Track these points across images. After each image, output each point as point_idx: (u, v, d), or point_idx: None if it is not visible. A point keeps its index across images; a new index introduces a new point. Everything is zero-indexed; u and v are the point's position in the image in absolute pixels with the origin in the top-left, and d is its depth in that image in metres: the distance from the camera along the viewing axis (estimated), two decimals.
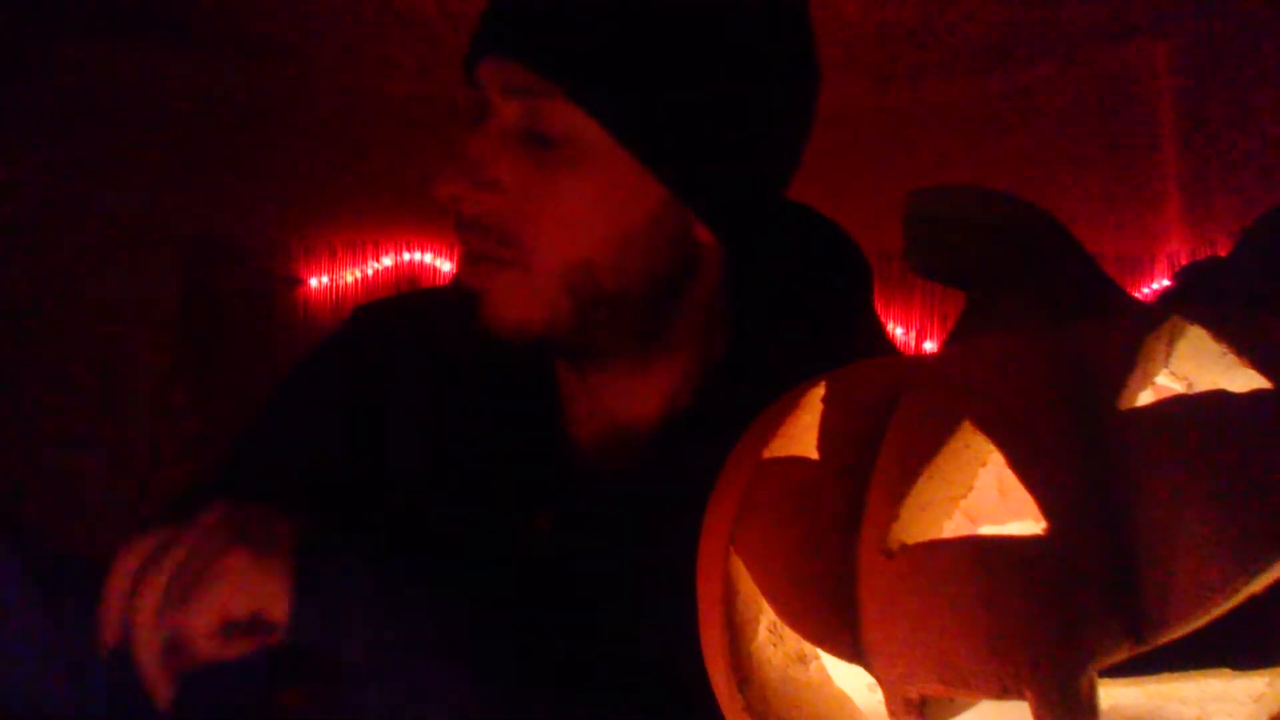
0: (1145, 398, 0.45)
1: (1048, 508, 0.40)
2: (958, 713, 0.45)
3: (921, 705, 0.42)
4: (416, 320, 0.89)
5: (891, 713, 0.42)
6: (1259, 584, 0.39)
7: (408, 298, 1.03)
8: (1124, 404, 0.43)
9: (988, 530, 0.49)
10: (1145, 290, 3.07)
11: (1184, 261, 3.03)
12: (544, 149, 0.72)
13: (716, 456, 0.74)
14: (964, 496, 0.46)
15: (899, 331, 3.22)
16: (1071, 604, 0.39)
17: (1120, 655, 0.39)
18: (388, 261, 3.33)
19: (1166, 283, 3.05)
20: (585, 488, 0.81)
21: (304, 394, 0.89)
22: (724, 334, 0.83)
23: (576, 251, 0.74)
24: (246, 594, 0.64)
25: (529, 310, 0.75)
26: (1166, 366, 0.47)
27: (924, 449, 0.44)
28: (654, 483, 0.79)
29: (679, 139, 0.73)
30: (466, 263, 0.77)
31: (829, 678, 0.50)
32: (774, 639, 0.50)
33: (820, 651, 0.47)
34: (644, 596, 0.74)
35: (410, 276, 3.32)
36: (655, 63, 0.71)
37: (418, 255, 3.34)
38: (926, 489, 0.44)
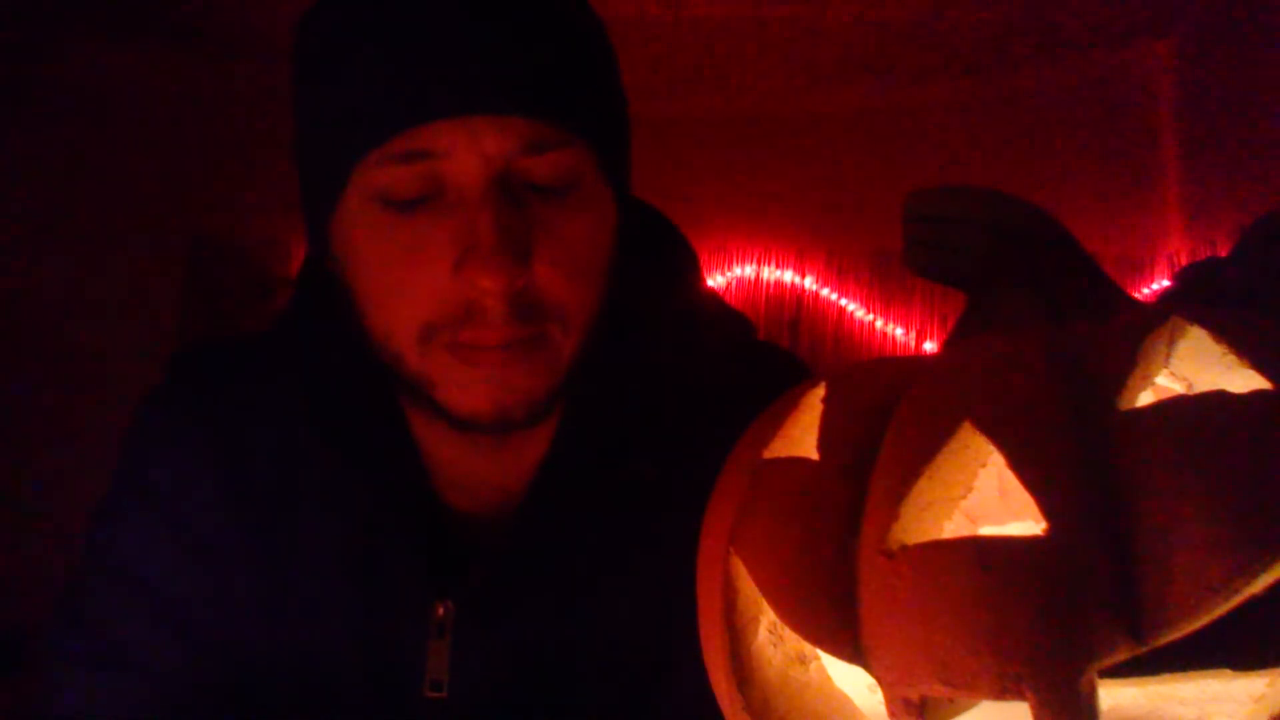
0: (1145, 398, 0.45)
1: (1048, 508, 0.40)
2: (958, 713, 0.45)
3: (921, 706, 0.42)
4: (247, 394, 0.80)
5: (891, 713, 0.42)
6: (1259, 584, 0.39)
7: (225, 360, 0.87)
8: (1124, 404, 0.43)
9: (988, 530, 0.49)
10: (1145, 290, 3.07)
11: (1184, 261, 3.04)
12: (558, 201, 0.68)
13: (609, 497, 0.74)
14: (964, 497, 0.46)
15: (899, 332, 3.21)
16: (1071, 604, 0.39)
17: (1120, 655, 0.39)
18: None
19: (1166, 283, 3.05)
20: (481, 562, 0.74)
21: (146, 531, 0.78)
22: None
23: (596, 297, 0.70)
24: None
25: (553, 378, 0.69)
26: (1166, 367, 0.47)
27: (924, 449, 0.44)
28: (558, 542, 0.74)
29: (627, 168, 0.74)
30: (493, 358, 0.67)
31: (829, 678, 0.50)
32: (774, 639, 0.50)
33: (820, 651, 0.47)
34: (585, 651, 0.74)
35: None
36: (611, 98, 0.72)
37: None
38: (926, 489, 0.44)
